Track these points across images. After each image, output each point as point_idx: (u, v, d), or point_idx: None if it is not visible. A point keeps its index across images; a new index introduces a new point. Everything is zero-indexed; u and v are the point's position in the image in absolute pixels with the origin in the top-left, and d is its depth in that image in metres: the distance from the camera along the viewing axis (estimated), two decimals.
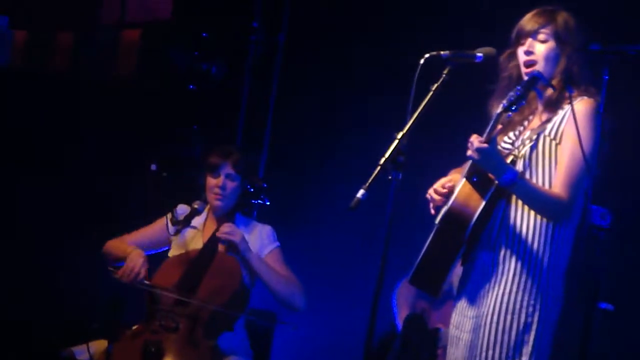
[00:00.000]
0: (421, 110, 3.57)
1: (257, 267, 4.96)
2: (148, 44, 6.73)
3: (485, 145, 3.59)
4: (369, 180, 3.43)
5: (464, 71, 3.76)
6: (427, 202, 3.92)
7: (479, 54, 3.78)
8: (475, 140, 3.61)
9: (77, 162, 6.39)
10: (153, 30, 6.73)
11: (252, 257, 4.96)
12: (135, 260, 4.87)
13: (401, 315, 5.45)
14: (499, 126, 3.67)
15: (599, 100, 3.70)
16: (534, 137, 3.78)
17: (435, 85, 3.64)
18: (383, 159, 3.47)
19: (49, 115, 6.58)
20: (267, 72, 6.50)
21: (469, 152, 3.63)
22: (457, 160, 4.04)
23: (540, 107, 3.88)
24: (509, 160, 3.77)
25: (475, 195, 3.71)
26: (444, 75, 3.68)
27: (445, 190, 3.85)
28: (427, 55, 3.67)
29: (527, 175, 3.74)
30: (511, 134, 3.90)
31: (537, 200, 3.70)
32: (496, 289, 3.74)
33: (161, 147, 6.28)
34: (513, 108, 3.56)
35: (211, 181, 5.09)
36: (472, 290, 3.81)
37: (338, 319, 6.01)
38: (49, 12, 6.97)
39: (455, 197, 3.73)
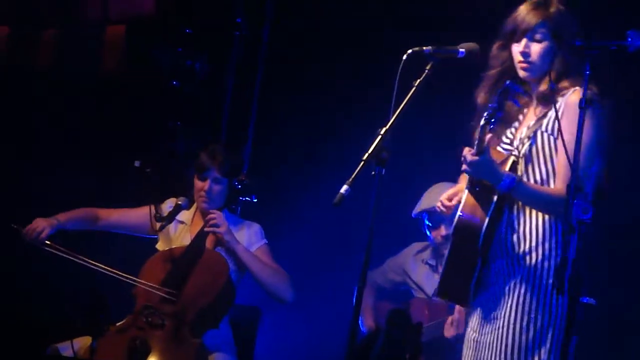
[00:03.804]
0: (404, 106, 3.57)
1: (244, 258, 4.97)
2: (132, 40, 6.72)
3: (477, 157, 3.61)
4: (353, 176, 3.44)
5: (447, 66, 3.77)
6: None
7: (462, 50, 3.78)
8: (468, 154, 3.64)
9: (59, 158, 6.37)
10: (137, 26, 6.71)
11: (239, 248, 4.98)
12: (40, 223, 5.00)
13: (366, 319, 5.45)
14: (488, 136, 3.67)
15: (595, 90, 3.68)
16: (531, 134, 3.77)
17: (418, 80, 3.64)
18: (366, 155, 3.47)
19: (32, 112, 6.56)
20: (251, 68, 6.49)
21: (464, 167, 3.65)
22: (440, 155, 4.05)
23: (534, 101, 3.86)
24: (510, 161, 3.77)
25: (481, 205, 3.74)
26: (426, 71, 3.68)
27: (452, 203, 3.87)
28: (409, 51, 3.67)
29: (530, 173, 3.75)
30: (509, 132, 3.88)
31: (539, 200, 3.71)
32: (511, 291, 3.75)
33: (145, 143, 6.27)
34: (492, 120, 3.56)
35: (198, 184, 5.10)
36: (490, 295, 3.81)
37: (322, 314, 6.01)
38: (32, 8, 6.94)
39: (461, 210, 3.77)
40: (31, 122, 6.55)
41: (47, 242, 4.96)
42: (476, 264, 3.79)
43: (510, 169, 3.77)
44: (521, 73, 3.83)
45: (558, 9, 3.81)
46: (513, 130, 3.88)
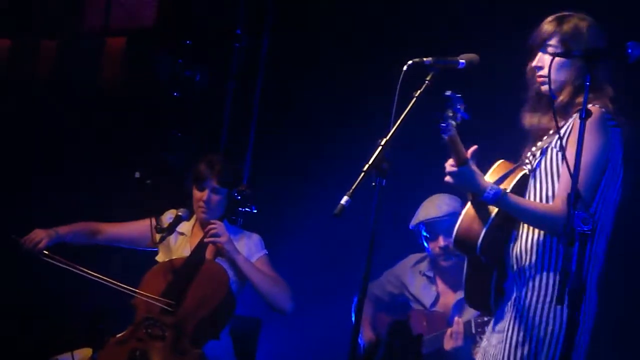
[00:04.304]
0: (404, 117, 3.57)
1: (244, 268, 4.97)
2: (132, 51, 6.73)
3: (455, 168, 3.63)
4: (353, 187, 3.42)
5: (448, 77, 3.76)
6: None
7: (462, 60, 3.76)
8: (447, 165, 3.66)
9: (61, 170, 6.37)
10: (137, 37, 6.72)
11: (240, 259, 4.98)
12: (38, 233, 5.03)
13: (365, 331, 5.44)
14: (473, 148, 3.68)
15: (610, 107, 3.68)
16: (544, 148, 3.77)
17: (419, 91, 3.63)
18: (367, 166, 3.46)
19: (32, 123, 6.56)
20: (251, 79, 6.50)
21: (446, 178, 3.67)
22: (440, 166, 4.04)
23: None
24: (519, 174, 3.77)
25: (480, 217, 3.75)
26: (426, 82, 3.67)
27: None
28: (410, 62, 3.66)
29: (538, 188, 3.73)
30: (534, 146, 3.88)
31: (525, 215, 3.68)
32: (513, 305, 3.75)
33: (145, 154, 6.27)
34: (442, 131, 3.56)
35: (197, 194, 5.10)
36: (503, 306, 3.81)
37: (323, 325, 6.00)
38: (32, 19, 6.95)
39: (460, 222, 3.79)
40: (30, 131, 6.55)
41: (45, 252, 4.97)
42: (492, 274, 3.81)
43: (518, 182, 3.77)
44: (541, 87, 3.83)
45: (573, 22, 3.77)
46: (539, 143, 3.87)
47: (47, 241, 5.01)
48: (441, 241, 5.31)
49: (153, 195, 5.86)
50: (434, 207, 5.35)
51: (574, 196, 3.30)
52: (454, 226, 3.83)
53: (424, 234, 5.40)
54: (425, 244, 5.42)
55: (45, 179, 6.39)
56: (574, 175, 3.34)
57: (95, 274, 4.88)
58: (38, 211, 6.01)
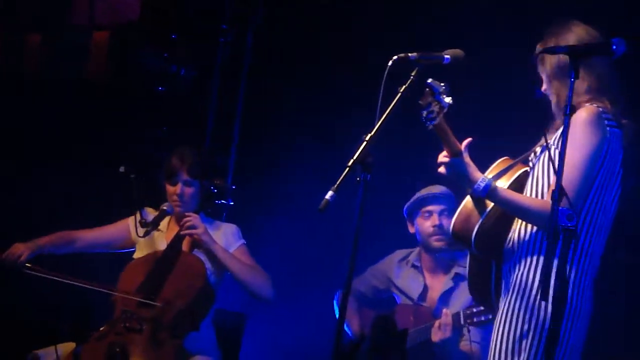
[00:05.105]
0: (389, 112, 3.57)
1: (222, 258, 4.97)
2: (117, 45, 6.72)
3: (447, 159, 3.66)
4: (338, 182, 3.42)
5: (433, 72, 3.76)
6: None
7: (447, 56, 3.76)
8: (440, 156, 3.69)
9: (44, 164, 6.35)
10: (122, 32, 6.71)
11: (217, 249, 4.98)
12: (19, 247, 5.00)
13: (352, 324, 5.44)
14: (468, 140, 3.71)
15: (610, 107, 3.69)
16: (543, 146, 3.79)
17: (403, 87, 3.63)
18: (351, 161, 3.46)
19: (17, 117, 6.54)
20: (236, 74, 6.49)
21: (439, 168, 3.70)
22: (427, 160, 4.05)
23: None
24: (520, 171, 3.81)
25: (478, 209, 3.78)
26: (412, 77, 3.67)
27: None
28: (395, 57, 3.66)
29: (534, 184, 3.74)
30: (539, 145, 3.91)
31: (519, 209, 3.69)
32: (504, 298, 3.77)
33: (130, 149, 6.26)
34: (425, 120, 3.57)
35: (169, 188, 5.11)
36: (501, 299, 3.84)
37: (307, 319, 6.01)
38: (17, 13, 6.94)
39: (457, 214, 3.81)
40: (15, 127, 6.53)
41: (27, 264, 4.97)
42: (491, 268, 3.83)
43: (518, 178, 3.80)
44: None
45: (557, 30, 3.80)
46: (541, 141, 3.89)
47: (28, 254, 5.00)
48: (436, 218, 5.30)
49: (137, 190, 5.85)
50: (433, 187, 5.35)
51: (558, 193, 3.31)
52: (449, 209, 3.86)
53: (420, 212, 5.37)
54: (417, 228, 5.39)
55: (25, 173, 6.36)
56: (558, 172, 3.36)
57: (78, 281, 4.89)
58: (15, 205, 6.00)
